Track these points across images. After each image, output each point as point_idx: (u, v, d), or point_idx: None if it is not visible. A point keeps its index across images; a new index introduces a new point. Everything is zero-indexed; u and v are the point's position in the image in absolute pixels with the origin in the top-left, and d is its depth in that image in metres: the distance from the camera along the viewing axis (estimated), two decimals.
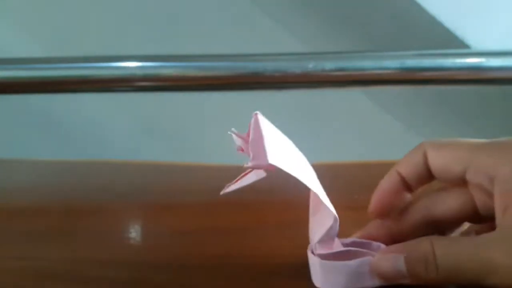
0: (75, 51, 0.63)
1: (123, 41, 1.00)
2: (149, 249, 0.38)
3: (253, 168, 0.29)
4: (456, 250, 0.27)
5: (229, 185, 0.30)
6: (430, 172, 0.31)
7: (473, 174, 0.29)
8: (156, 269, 0.34)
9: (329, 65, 0.59)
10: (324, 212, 0.30)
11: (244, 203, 0.42)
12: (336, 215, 0.30)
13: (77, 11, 1.03)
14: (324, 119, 1.04)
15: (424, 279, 0.27)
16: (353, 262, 0.30)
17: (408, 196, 0.32)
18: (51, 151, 1.04)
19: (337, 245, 0.31)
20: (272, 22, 1.01)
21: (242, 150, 0.30)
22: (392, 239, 0.31)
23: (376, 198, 0.32)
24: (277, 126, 0.31)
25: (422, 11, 0.89)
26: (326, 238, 0.30)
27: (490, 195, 0.28)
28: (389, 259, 0.28)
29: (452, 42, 0.89)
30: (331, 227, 0.30)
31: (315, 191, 0.29)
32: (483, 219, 0.30)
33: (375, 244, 0.31)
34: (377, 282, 0.30)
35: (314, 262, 0.31)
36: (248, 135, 0.29)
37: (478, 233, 0.29)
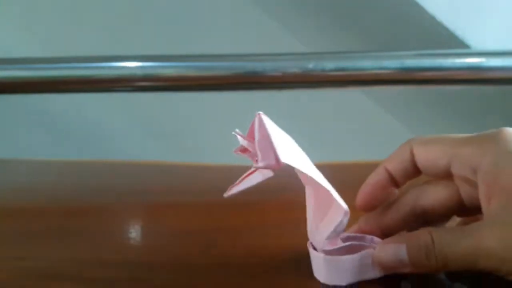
0: (75, 51, 0.63)
1: (123, 41, 1.00)
2: (149, 249, 0.38)
3: (264, 168, 0.29)
4: (451, 238, 0.28)
5: (233, 187, 0.30)
6: (416, 167, 0.32)
7: (458, 167, 0.30)
8: (156, 269, 0.34)
9: (329, 65, 0.59)
10: (333, 208, 0.31)
11: (245, 203, 0.42)
12: (347, 209, 0.30)
13: (77, 11, 1.03)
14: (324, 119, 1.04)
15: (424, 267, 0.29)
16: (356, 256, 0.31)
17: (395, 191, 0.33)
18: (51, 151, 1.04)
19: (339, 241, 0.32)
20: (273, 22, 1.01)
21: (243, 151, 0.30)
22: (382, 232, 0.32)
23: (363, 192, 0.33)
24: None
25: (422, 11, 0.90)
26: (334, 234, 0.31)
27: (475, 185, 0.30)
28: (391, 249, 0.30)
29: (452, 42, 0.89)
30: (340, 222, 0.30)
31: (326, 187, 0.30)
32: (468, 211, 0.31)
33: (368, 237, 0.32)
34: (377, 273, 0.31)
35: (318, 258, 0.32)
36: (251, 135, 0.29)
37: (465, 222, 0.31)
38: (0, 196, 0.48)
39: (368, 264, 0.31)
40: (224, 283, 0.33)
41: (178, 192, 0.48)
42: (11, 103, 1.01)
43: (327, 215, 0.31)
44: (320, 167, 0.32)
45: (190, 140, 1.07)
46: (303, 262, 0.34)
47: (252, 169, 0.30)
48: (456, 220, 0.33)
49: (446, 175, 0.31)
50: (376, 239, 0.32)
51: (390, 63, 0.59)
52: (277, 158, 0.28)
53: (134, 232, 0.41)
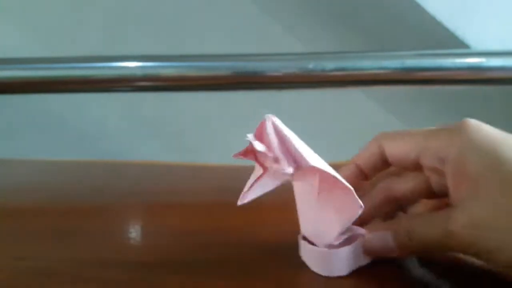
0: (75, 51, 0.63)
1: (123, 41, 1.00)
2: (149, 249, 0.38)
3: (288, 173, 0.30)
4: (426, 223, 0.31)
5: (245, 194, 0.30)
6: (385, 160, 0.35)
7: (427, 158, 0.33)
8: (156, 269, 0.34)
9: (329, 65, 0.59)
10: (347, 204, 0.32)
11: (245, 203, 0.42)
12: (362, 204, 0.32)
13: (77, 11, 1.03)
14: (324, 119, 1.04)
15: (408, 249, 0.32)
16: (351, 246, 0.33)
17: (365, 183, 0.36)
18: (51, 151, 1.04)
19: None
20: (272, 22, 1.01)
21: (245, 155, 0.30)
22: (359, 220, 0.34)
23: None
24: None
25: (422, 11, 0.90)
26: (346, 229, 0.33)
27: (443, 174, 0.32)
28: (379, 237, 0.33)
29: (452, 42, 0.89)
30: (354, 218, 0.32)
31: (346, 184, 0.31)
32: (436, 196, 0.34)
33: (354, 227, 0.34)
34: (368, 260, 0.34)
35: (320, 252, 0.33)
36: (260, 138, 0.29)
37: (435, 207, 0.35)
38: (0, 196, 0.48)
39: (360, 253, 0.33)
40: (224, 283, 0.33)
41: (178, 192, 0.48)
42: (11, 103, 1.01)
43: (339, 211, 0.32)
44: None
45: (190, 140, 1.07)
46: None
47: (259, 173, 0.30)
48: (423, 201, 0.36)
49: (416, 166, 0.34)
50: (358, 228, 0.34)
51: (390, 63, 0.59)
52: (306, 163, 0.29)
53: (134, 232, 0.41)
